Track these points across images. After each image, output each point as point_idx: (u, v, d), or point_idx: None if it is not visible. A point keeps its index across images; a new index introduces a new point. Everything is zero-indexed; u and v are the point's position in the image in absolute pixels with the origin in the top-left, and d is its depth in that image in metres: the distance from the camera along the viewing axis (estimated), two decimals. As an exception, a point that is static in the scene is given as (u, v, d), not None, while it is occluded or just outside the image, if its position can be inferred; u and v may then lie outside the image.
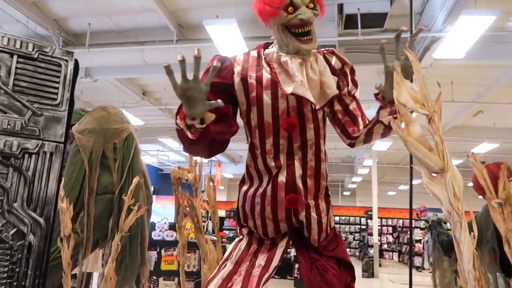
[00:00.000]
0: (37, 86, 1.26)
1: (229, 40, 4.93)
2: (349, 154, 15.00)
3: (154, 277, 4.71)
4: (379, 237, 12.45)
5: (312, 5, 1.31)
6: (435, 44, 5.07)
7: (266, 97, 1.35)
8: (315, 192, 1.40)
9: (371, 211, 11.95)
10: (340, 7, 5.47)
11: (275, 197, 1.37)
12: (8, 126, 1.19)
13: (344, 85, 1.44)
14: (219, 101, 1.11)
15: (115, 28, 6.06)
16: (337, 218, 18.32)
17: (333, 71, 1.42)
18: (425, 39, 5.48)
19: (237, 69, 1.40)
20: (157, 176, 16.67)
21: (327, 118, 1.49)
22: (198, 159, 1.77)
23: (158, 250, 4.83)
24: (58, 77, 1.30)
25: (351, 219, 17.85)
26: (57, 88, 1.29)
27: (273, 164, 1.37)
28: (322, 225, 1.40)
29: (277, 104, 1.35)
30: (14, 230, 1.19)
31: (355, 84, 1.45)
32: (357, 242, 16.96)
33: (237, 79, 1.38)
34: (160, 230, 4.99)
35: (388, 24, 5.60)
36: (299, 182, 1.37)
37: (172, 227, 4.96)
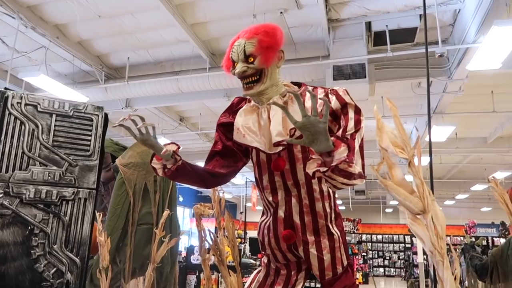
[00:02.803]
0: (72, 140, 1.44)
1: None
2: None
3: (194, 301, 4.82)
4: (424, 256, 11.90)
5: (252, 59, 1.43)
6: (468, 56, 4.96)
7: None
8: (314, 228, 1.45)
9: (415, 227, 11.49)
10: (368, 25, 5.48)
11: (276, 231, 1.47)
12: (49, 178, 1.37)
13: (338, 127, 1.39)
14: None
15: (151, 60, 6.39)
16: (379, 237, 17.75)
17: (330, 110, 1.39)
18: (458, 51, 5.37)
19: None
20: (195, 199, 17.05)
21: None
22: (220, 193, 1.88)
23: (197, 274, 4.95)
24: (90, 130, 1.47)
25: (395, 237, 17.28)
26: (90, 140, 1.46)
27: (270, 198, 1.47)
28: (323, 262, 1.44)
29: None
30: (54, 269, 1.34)
31: (357, 123, 1.35)
32: (402, 261, 16.34)
33: None
34: (199, 254, 5.08)
35: (419, 38, 5.55)
36: (296, 218, 1.44)
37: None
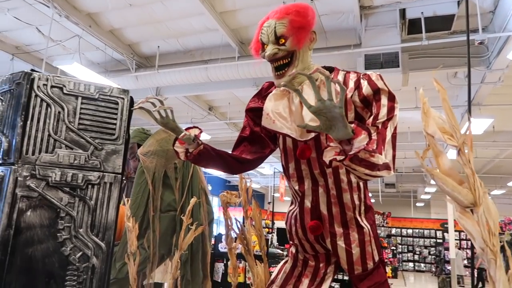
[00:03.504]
0: (98, 123, 1.43)
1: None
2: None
3: (222, 289, 4.83)
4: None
5: (283, 40, 1.35)
6: (509, 45, 4.68)
7: None
8: (342, 220, 1.38)
9: (447, 223, 11.17)
10: (403, 12, 5.27)
11: (303, 221, 1.41)
12: (75, 161, 1.36)
13: (370, 114, 1.30)
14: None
15: (181, 49, 6.41)
16: (410, 231, 17.37)
17: (361, 96, 1.32)
18: (499, 40, 5.08)
19: None
20: (224, 188, 17.20)
21: None
22: (248, 182, 1.84)
23: (225, 262, 4.97)
24: (116, 113, 1.46)
25: (426, 232, 16.83)
26: (115, 124, 1.45)
27: (297, 187, 1.41)
28: (352, 256, 1.37)
29: None
30: (80, 253, 1.34)
31: (390, 111, 1.24)
32: (433, 257, 15.92)
33: None
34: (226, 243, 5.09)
35: (457, 26, 5.28)
36: (323, 209, 1.37)
37: (238, 239, 5.07)
